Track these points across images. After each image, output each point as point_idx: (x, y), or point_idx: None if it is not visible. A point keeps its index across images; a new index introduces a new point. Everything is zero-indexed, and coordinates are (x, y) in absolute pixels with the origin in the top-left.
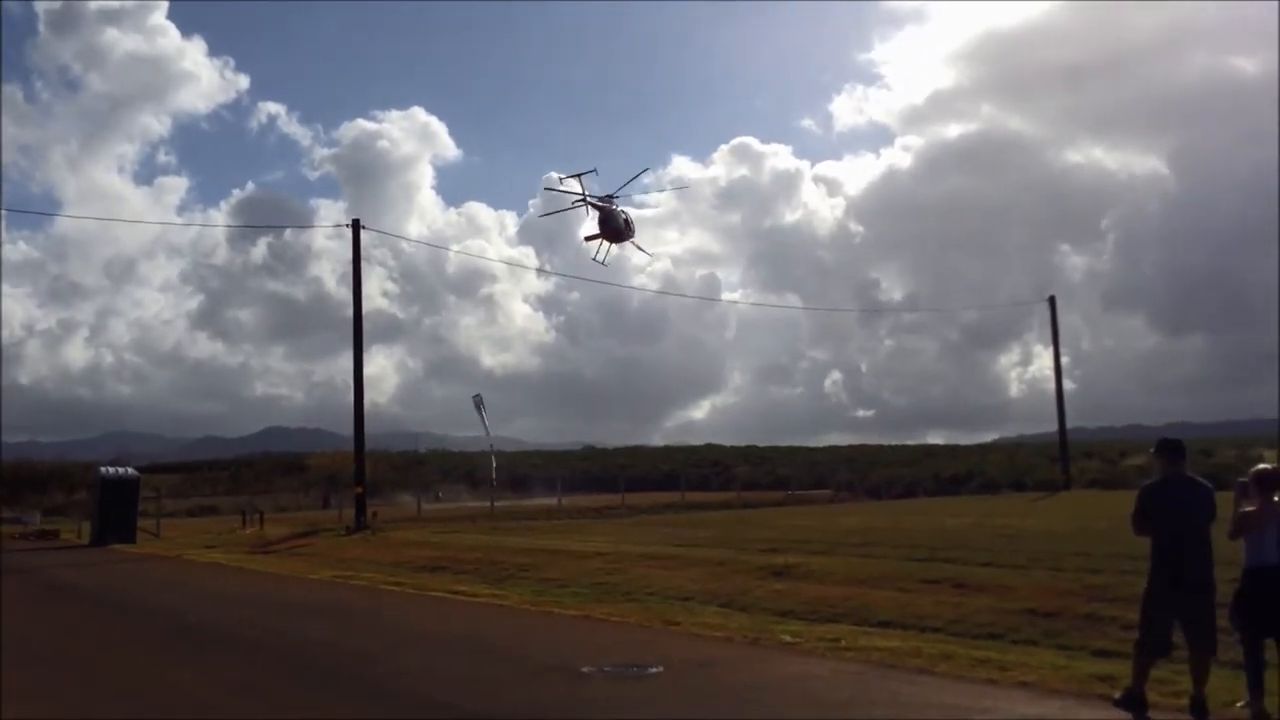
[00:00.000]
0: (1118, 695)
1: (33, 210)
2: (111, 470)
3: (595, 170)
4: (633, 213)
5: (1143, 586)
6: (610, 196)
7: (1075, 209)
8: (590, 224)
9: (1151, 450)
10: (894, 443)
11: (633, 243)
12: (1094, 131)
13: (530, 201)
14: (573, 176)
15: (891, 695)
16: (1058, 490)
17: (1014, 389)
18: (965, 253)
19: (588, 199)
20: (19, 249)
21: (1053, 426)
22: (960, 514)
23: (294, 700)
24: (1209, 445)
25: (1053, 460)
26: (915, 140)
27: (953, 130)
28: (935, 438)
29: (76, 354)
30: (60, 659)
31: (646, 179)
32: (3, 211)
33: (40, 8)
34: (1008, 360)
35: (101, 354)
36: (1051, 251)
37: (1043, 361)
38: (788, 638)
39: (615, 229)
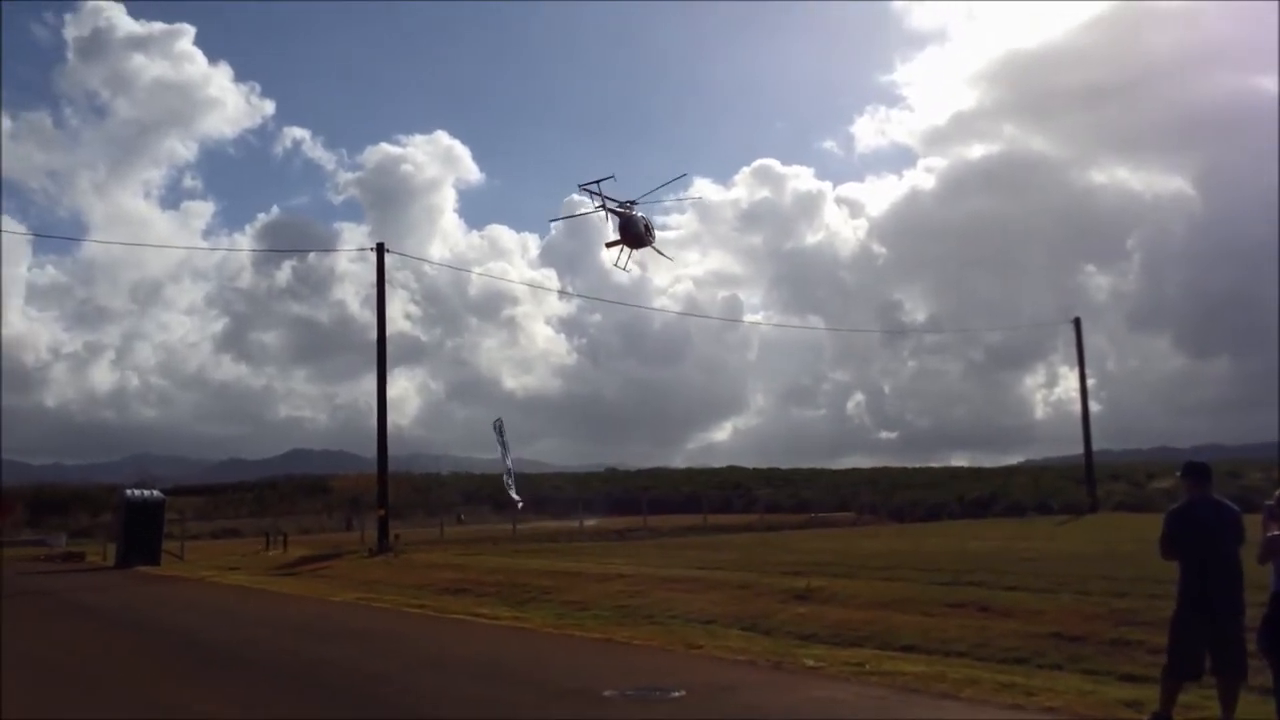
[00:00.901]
0: None
1: (60, 235)
2: (136, 493)
3: (614, 177)
4: (655, 232)
5: (1170, 611)
6: (630, 203)
7: (1099, 229)
8: (610, 232)
9: (1178, 473)
10: (917, 465)
11: (654, 248)
12: (1118, 151)
13: (552, 224)
14: (592, 183)
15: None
16: (1084, 513)
17: (1039, 411)
18: (988, 273)
19: (607, 205)
20: (47, 273)
21: (1078, 449)
22: (985, 537)
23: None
24: (1237, 467)
25: (1079, 483)
26: (938, 161)
27: (975, 151)
28: (959, 460)
29: (102, 377)
30: (77, 679)
31: (668, 200)
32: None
33: (69, 34)
34: (1032, 382)
35: (127, 377)
36: (1076, 272)
37: (1068, 383)
38: (811, 662)
39: (636, 234)
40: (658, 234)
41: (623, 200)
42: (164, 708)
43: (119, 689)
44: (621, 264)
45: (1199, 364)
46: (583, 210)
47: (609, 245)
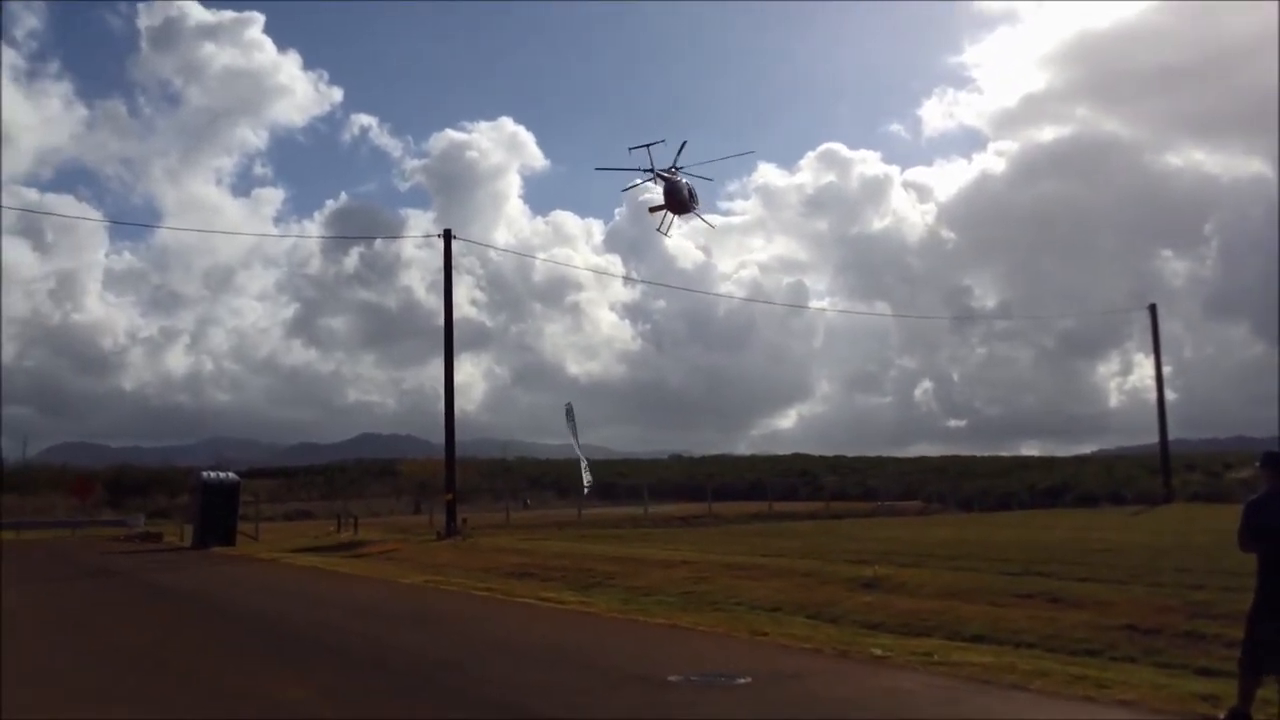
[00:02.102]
0: (1222, 716)
1: (134, 222)
2: (213, 475)
3: (664, 141)
4: (717, 220)
5: (1248, 603)
6: (676, 168)
7: (1175, 213)
8: (656, 195)
9: (1257, 463)
10: (986, 454)
11: (697, 214)
12: (1194, 134)
13: (616, 211)
14: (642, 146)
15: (985, 711)
16: (1158, 504)
17: (1113, 399)
18: (1060, 259)
19: (656, 170)
20: (123, 259)
21: (1153, 438)
22: (1055, 527)
23: (371, 703)
24: None
25: (1153, 473)
26: (1008, 144)
27: (1047, 134)
28: (1029, 449)
29: (177, 361)
30: (152, 660)
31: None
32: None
33: (142, 24)
34: (1106, 369)
35: (201, 361)
36: (1151, 257)
37: (1143, 370)
38: (878, 650)
39: (680, 200)
40: (721, 220)
41: (669, 166)
42: (245, 693)
43: (197, 672)
44: (664, 229)
45: (1278, 352)
46: (630, 172)
47: (652, 210)
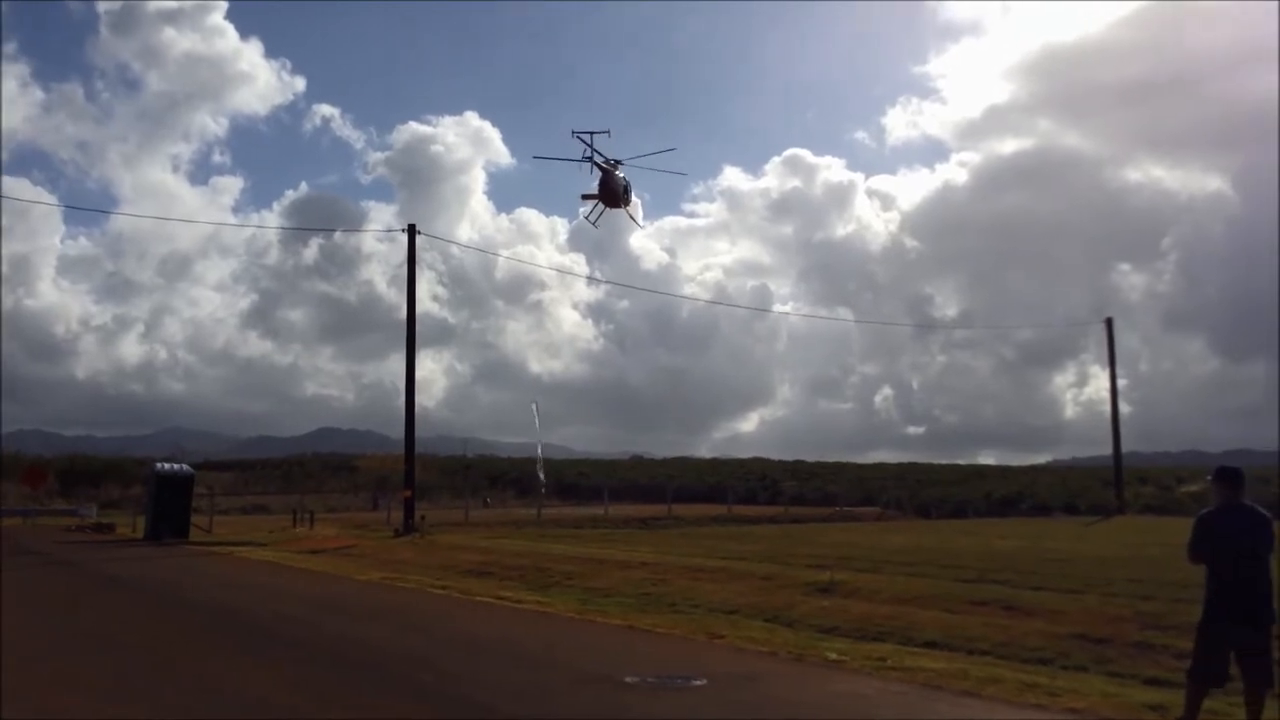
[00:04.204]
0: None
1: (89, 207)
2: (167, 466)
3: (609, 132)
4: (682, 222)
5: (1198, 615)
6: (616, 161)
7: (1134, 228)
8: (592, 184)
9: (1209, 477)
10: (944, 461)
11: (627, 211)
12: (1154, 150)
13: (581, 210)
14: (585, 133)
15: (937, 716)
16: (1111, 515)
17: (1069, 410)
18: (1021, 270)
19: (594, 159)
20: (78, 244)
21: (1108, 450)
22: (1010, 536)
23: (339, 698)
24: (1269, 473)
25: (1107, 484)
26: (971, 155)
27: (1009, 145)
28: (987, 457)
29: (131, 350)
30: (107, 648)
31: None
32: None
33: (101, 8)
34: (1063, 380)
35: (156, 350)
36: (1110, 271)
37: (1099, 383)
38: (833, 655)
39: (613, 191)
40: (685, 222)
41: (610, 158)
42: (205, 683)
43: (156, 661)
44: (592, 219)
45: (1233, 367)
46: (569, 158)
47: (585, 197)
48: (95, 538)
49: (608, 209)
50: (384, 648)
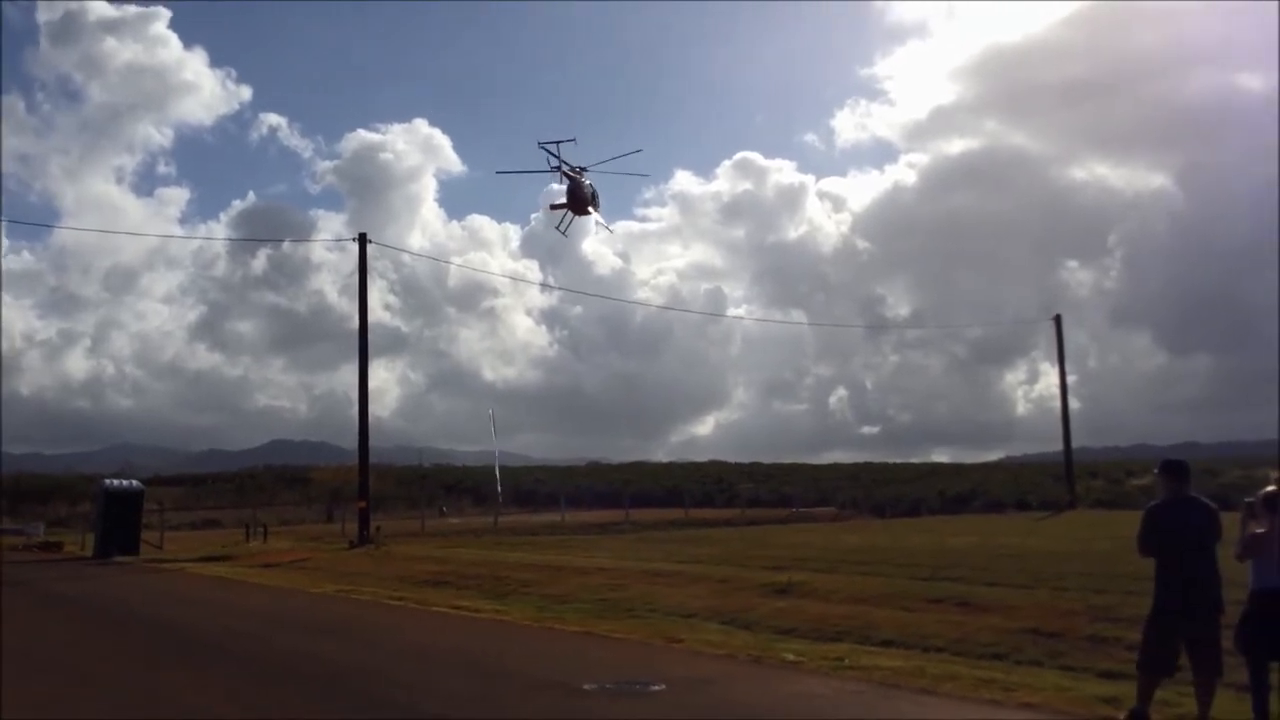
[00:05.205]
0: (1122, 716)
1: (31, 221)
2: (115, 482)
3: (574, 140)
4: (635, 226)
5: (1148, 607)
6: (581, 169)
7: (1081, 226)
8: (560, 193)
9: (1156, 470)
10: (898, 460)
11: (595, 216)
12: (1099, 148)
13: (533, 216)
14: (551, 143)
15: (895, 715)
16: (1062, 510)
17: (1020, 407)
18: (971, 269)
19: (563, 168)
20: (20, 259)
21: (1058, 445)
22: (964, 533)
23: (289, 711)
24: (1215, 465)
25: (1058, 480)
26: (919, 156)
27: (956, 146)
28: (940, 455)
29: (77, 365)
30: (54, 668)
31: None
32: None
33: (41, 18)
34: (1014, 378)
35: (103, 365)
36: (1057, 268)
37: (1049, 379)
38: (790, 656)
39: (581, 199)
40: (639, 227)
41: (575, 166)
42: (156, 699)
43: (102, 678)
44: (563, 228)
45: (1179, 361)
46: (534, 170)
47: (553, 207)
48: (43, 556)
49: (575, 216)
50: (336, 660)
